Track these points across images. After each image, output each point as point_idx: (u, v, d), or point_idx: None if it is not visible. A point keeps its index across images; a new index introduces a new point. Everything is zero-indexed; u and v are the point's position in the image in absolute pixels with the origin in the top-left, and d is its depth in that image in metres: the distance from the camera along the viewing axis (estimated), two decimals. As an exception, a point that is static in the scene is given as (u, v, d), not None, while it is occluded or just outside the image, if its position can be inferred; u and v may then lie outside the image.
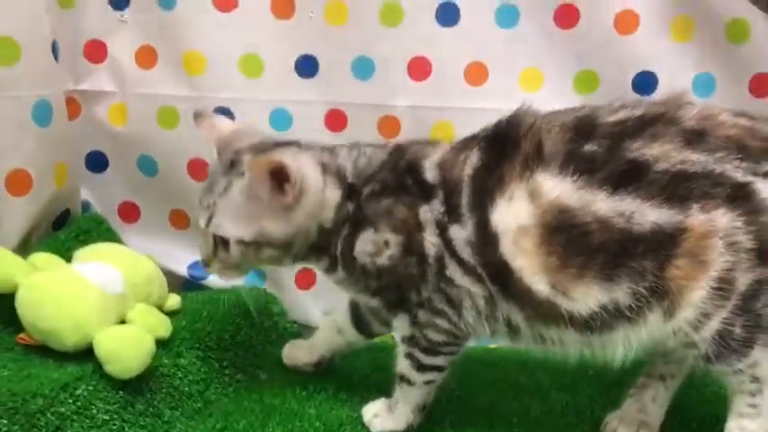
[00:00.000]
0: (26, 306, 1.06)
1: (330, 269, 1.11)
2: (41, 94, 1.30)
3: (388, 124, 1.45)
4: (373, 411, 1.14)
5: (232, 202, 1.04)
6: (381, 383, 1.19)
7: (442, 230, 1.01)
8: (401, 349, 1.10)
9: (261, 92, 1.45)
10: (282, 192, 1.01)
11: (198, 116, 1.17)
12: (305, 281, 1.54)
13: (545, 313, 0.97)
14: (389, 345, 1.46)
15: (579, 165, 0.93)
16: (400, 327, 1.09)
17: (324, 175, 1.06)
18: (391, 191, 1.04)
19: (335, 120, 1.47)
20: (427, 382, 1.10)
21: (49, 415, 0.96)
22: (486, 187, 0.98)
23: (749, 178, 0.90)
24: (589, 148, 0.93)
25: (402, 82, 1.43)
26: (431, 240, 1.01)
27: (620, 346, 0.98)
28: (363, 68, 1.44)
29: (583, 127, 0.95)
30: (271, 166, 1.00)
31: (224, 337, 1.28)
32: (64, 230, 1.40)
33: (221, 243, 1.06)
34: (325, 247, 1.08)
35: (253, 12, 1.43)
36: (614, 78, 1.40)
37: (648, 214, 0.91)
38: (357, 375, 1.31)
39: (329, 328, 1.29)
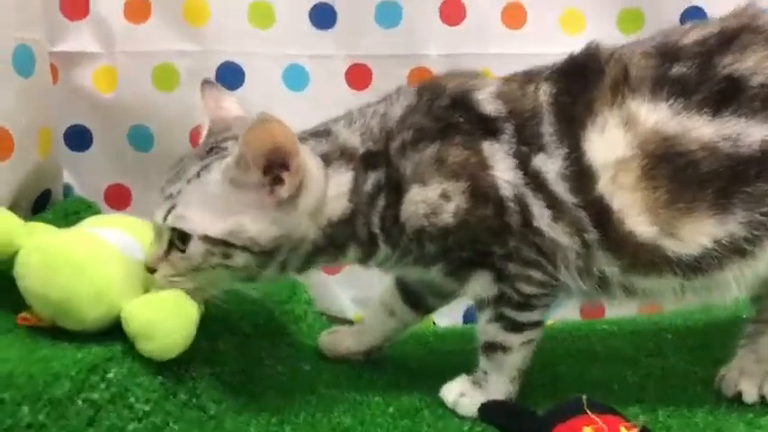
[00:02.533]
0: (32, 273, 0.82)
1: (365, 256, 0.93)
2: (22, 37, 1.07)
3: (420, 77, 1.27)
4: (458, 390, 0.96)
5: (205, 189, 0.84)
6: (443, 367, 1.04)
7: (523, 162, 0.86)
8: (486, 314, 0.93)
9: (272, 45, 1.27)
10: (278, 182, 0.83)
11: (206, 84, 0.97)
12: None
13: (646, 260, 0.86)
14: (434, 330, 1.31)
15: (672, 88, 0.85)
16: (481, 287, 0.92)
17: (328, 167, 0.88)
18: (433, 134, 0.88)
19: (358, 76, 1.30)
20: (526, 343, 0.94)
21: (79, 402, 0.73)
22: (574, 114, 0.86)
23: None
24: (678, 69, 0.86)
25: (434, 28, 1.28)
26: (505, 178, 0.86)
27: (733, 284, 0.87)
28: (389, 15, 1.28)
29: (665, 51, 0.88)
30: (273, 142, 0.80)
31: (258, 323, 1.09)
32: (49, 211, 1.16)
33: (178, 241, 0.84)
34: (347, 238, 0.90)
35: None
36: (659, 16, 1.29)
37: (755, 133, 0.82)
38: (413, 361, 1.14)
39: (379, 312, 1.11)
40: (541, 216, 0.86)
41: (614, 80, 0.86)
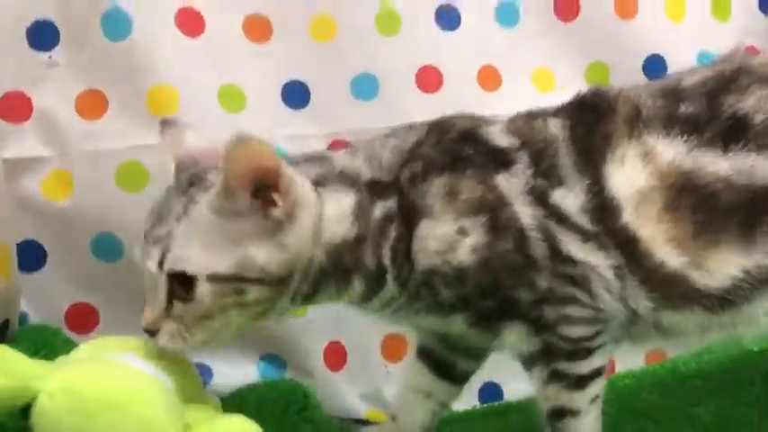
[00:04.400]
0: (59, 422, 0.66)
1: (370, 291, 0.84)
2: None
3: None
4: None
5: (197, 225, 0.76)
6: None
7: (541, 197, 0.82)
8: (538, 375, 0.85)
9: (247, 129, 1.16)
10: (269, 203, 0.77)
11: (166, 125, 0.91)
12: (335, 358, 1.22)
13: (677, 293, 0.83)
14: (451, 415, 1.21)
15: (684, 126, 0.84)
16: (518, 339, 0.84)
17: (322, 188, 0.83)
18: (441, 166, 0.84)
19: (339, 151, 1.22)
20: (593, 400, 0.86)
21: None
22: (592, 146, 0.84)
23: None
24: (686, 109, 0.86)
25: (412, 96, 1.24)
26: (526, 212, 0.82)
27: (762, 318, 0.85)
28: (365, 88, 1.22)
29: (670, 92, 0.88)
30: (256, 162, 0.75)
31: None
32: (14, 345, 0.97)
33: (181, 288, 0.75)
34: (354, 265, 0.83)
35: (224, 35, 1.17)
36: (623, 66, 1.32)
37: (765, 166, 0.83)
38: None
39: (412, 399, 1.00)
40: (569, 241, 0.82)
41: (627, 116, 0.85)
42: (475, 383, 1.22)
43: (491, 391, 1.28)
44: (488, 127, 0.88)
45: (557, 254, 0.81)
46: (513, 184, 0.82)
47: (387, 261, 0.83)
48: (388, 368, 1.24)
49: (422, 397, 0.99)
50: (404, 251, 0.82)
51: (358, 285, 0.84)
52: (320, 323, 1.21)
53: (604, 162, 0.83)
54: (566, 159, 0.84)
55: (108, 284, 1.13)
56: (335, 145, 1.21)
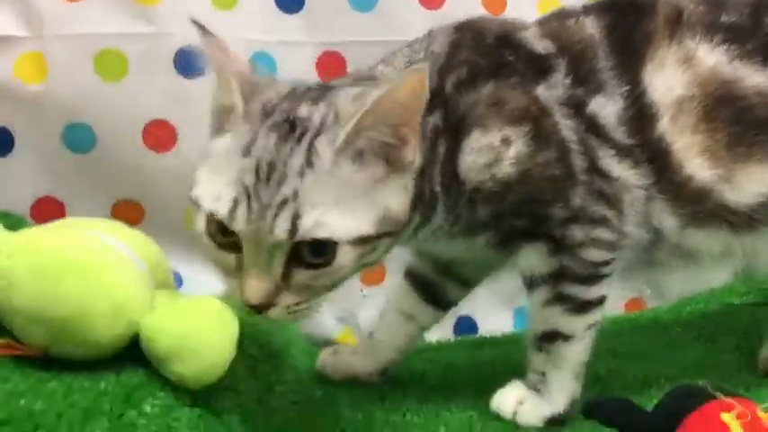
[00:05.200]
0: (20, 284, 0.60)
1: (420, 224, 0.79)
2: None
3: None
4: (514, 398, 0.84)
5: (327, 178, 0.65)
6: (469, 380, 0.96)
7: (578, 107, 0.79)
8: (541, 295, 0.82)
9: (236, 30, 1.10)
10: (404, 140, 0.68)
11: (205, 32, 0.71)
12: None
13: (704, 209, 0.82)
14: (430, 344, 1.18)
15: (725, 34, 0.83)
16: (536, 259, 0.81)
17: None
18: (488, 72, 0.78)
19: (330, 64, 1.16)
20: (590, 327, 0.83)
21: (126, 447, 0.53)
22: (632, 47, 0.81)
23: None
24: (728, 18, 0.84)
25: (413, 12, 1.17)
26: (566, 123, 0.79)
27: None
28: (363, -2, 1.17)
29: (713, 0, 0.86)
30: (417, 99, 0.65)
31: (261, 344, 0.90)
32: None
33: (311, 255, 0.65)
34: (417, 198, 0.74)
35: None
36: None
37: None
38: (430, 377, 1.01)
39: (393, 321, 0.97)
40: (606, 156, 0.79)
41: (668, 17, 0.82)
42: (450, 317, 1.21)
43: (466, 325, 1.25)
44: (524, 30, 0.83)
45: (594, 168, 0.79)
46: (552, 94, 0.79)
47: (437, 187, 0.77)
48: (364, 292, 1.20)
49: (404, 319, 0.96)
50: (452, 170, 0.77)
51: (416, 218, 0.76)
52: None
53: (644, 65, 0.80)
54: (604, 63, 0.81)
55: (77, 178, 1.09)
56: (326, 59, 1.16)
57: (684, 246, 0.84)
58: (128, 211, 1.10)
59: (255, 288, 0.64)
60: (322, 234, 0.63)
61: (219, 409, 0.69)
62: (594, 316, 0.83)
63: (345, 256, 0.65)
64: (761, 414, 0.65)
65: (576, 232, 0.80)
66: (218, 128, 0.69)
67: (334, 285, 0.68)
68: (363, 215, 0.65)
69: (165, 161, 1.10)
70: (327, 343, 1.19)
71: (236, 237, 0.64)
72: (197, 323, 0.64)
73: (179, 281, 1.11)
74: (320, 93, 0.71)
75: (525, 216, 0.80)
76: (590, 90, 0.80)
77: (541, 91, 0.79)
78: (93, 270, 0.62)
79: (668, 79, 0.80)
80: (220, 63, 0.69)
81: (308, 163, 0.64)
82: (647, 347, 1.12)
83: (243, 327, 0.84)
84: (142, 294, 0.65)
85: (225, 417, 0.69)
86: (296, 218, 0.62)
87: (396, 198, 0.68)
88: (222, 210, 0.63)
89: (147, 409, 0.58)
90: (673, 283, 1.30)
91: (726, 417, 0.64)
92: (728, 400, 0.66)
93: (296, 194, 0.63)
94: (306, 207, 0.63)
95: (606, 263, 0.82)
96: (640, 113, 0.80)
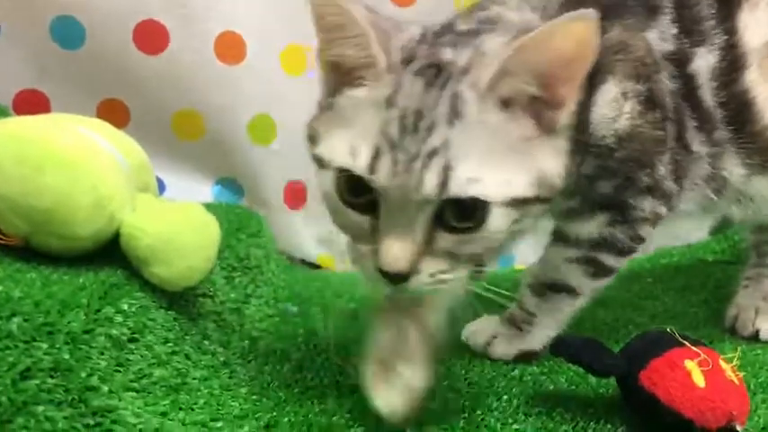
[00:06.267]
0: (5, 173, 0.59)
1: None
2: None
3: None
4: (489, 332, 0.83)
5: (477, 129, 0.57)
6: None
7: (682, 63, 0.73)
8: (569, 252, 0.78)
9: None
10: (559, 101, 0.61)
11: None
12: (293, 197, 1.17)
13: None
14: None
15: None
16: (589, 230, 0.76)
17: None
18: (613, 13, 0.70)
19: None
20: (596, 290, 0.81)
21: (101, 339, 0.53)
22: None
23: None
24: None
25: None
26: (667, 83, 0.73)
27: None
28: None
29: None
30: (579, 50, 0.57)
31: (240, 256, 0.91)
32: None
33: (461, 216, 0.57)
34: None
35: None
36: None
37: None
38: None
39: None
40: (690, 125, 0.75)
41: None
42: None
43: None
44: None
45: (680, 140, 0.74)
46: (659, 43, 0.72)
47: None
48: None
49: None
50: (583, 123, 0.67)
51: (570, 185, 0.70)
52: (283, 158, 1.15)
53: (740, 8, 0.75)
54: (707, 9, 0.74)
55: (64, 73, 1.05)
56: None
57: (747, 192, 0.80)
58: (113, 112, 1.07)
59: (397, 253, 0.56)
60: (475, 191, 0.56)
61: (195, 314, 0.71)
62: (605, 282, 0.81)
63: (497, 220, 0.57)
64: (722, 364, 0.67)
65: (647, 205, 0.75)
66: (343, 82, 0.61)
67: (479, 256, 0.61)
68: (517, 174, 0.58)
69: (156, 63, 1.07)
70: (304, 263, 1.21)
71: (371, 195, 0.57)
72: (179, 225, 0.65)
73: (162, 187, 1.10)
74: (460, 37, 0.63)
75: (618, 178, 0.73)
76: (694, 42, 0.73)
77: (653, 38, 0.72)
78: (77, 162, 0.61)
79: (760, 20, 0.74)
80: (346, 17, 0.58)
81: (456, 110, 0.57)
82: (619, 294, 1.13)
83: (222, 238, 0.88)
84: (125, 191, 0.65)
85: (200, 322, 0.70)
86: (447, 169, 0.56)
87: (550, 160, 0.60)
88: (361, 163, 0.56)
89: (125, 307, 0.58)
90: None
91: (689, 364, 0.66)
92: (693, 348, 0.68)
93: (446, 145, 0.56)
94: (458, 160, 0.56)
95: (644, 239, 0.78)
96: (732, 65, 0.74)
